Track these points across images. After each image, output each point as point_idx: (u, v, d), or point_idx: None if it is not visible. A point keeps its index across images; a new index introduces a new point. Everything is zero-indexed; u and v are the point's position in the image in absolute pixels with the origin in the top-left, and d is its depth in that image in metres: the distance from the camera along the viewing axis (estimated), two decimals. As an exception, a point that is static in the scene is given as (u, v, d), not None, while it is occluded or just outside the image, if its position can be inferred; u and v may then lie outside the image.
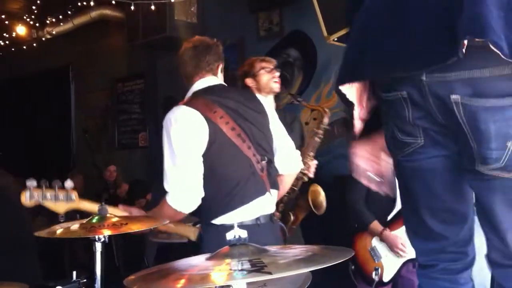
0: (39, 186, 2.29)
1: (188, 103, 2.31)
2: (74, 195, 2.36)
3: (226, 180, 2.27)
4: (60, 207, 2.33)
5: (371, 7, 1.42)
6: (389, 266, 3.19)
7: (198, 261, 1.33)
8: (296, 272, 1.08)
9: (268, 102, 3.22)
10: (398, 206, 3.22)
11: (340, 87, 1.49)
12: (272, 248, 1.26)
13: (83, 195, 2.49)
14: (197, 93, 2.40)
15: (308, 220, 3.70)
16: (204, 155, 2.24)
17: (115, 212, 2.34)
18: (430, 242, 1.56)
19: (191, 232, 2.52)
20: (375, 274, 3.08)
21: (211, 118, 2.25)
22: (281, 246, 1.33)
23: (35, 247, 3.26)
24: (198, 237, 2.49)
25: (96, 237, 2.15)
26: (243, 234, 1.27)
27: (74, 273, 2.18)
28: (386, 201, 3.23)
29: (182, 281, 1.24)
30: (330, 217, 4.49)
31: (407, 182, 1.55)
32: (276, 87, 3.26)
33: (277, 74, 3.26)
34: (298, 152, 2.66)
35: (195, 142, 2.24)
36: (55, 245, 5.19)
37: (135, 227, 2.14)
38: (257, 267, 1.10)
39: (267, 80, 3.23)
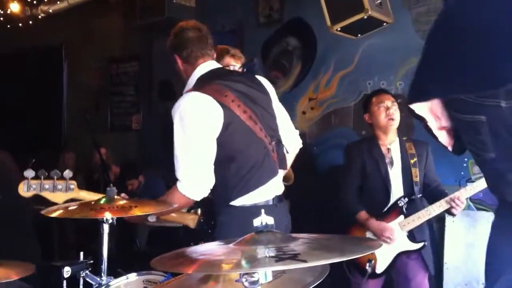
0: (37, 177, 2.29)
1: (198, 89, 2.28)
2: (73, 185, 2.36)
3: (243, 163, 2.28)
4: (59, 197, 2.33)
5: (438, 33, 1.53)
6: (383, 258, 3.19)
7: (224, 247, 1.32)
8: (331, 261, 1.09)
9: None
10: (393, 198, 3.25)
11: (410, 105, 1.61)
12: (299, 236, 1.26)
13: (74, 174, 2.47)
14: (203, 78, 2.38)
15: (304, 209, 3.70)
16: (219, 139, 2.24)
17: None
18: None
19: (190, 220, 2.53)
20: (369, 266, 3.10)
21: (224, 102, 2.24)
22: (306, 235, 1.33)
23: (33, 225, 3.25)
24: (197, 224, 2.50)
25: (104, 218, 2.15)
26: (270, 220, 1.27)
27: (81, 254, 2.18)
28: (381, 194, 3.26)
29: (207, 266, 1.25)
30: (326, 207, 4.53)
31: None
32: None
33: None
34: (297, 131, 2.69)
35: (209, 127, 2.23)
36: (46, 225, 5.15)
37: (144, 211, 2.15)
38: (290, 255, 1.10)
39: None
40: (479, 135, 1.54)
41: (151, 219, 2.39)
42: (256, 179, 2.28)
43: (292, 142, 2.62)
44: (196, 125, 2.22)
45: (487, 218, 3.65)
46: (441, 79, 1.47)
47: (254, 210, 2.21)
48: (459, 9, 1.52)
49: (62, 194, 2.33)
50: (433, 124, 1.64)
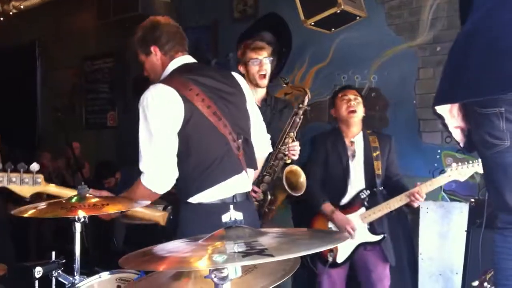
0: (4, 170, 2.25)
1: (164, 82, 2.28)
2: (40, 178, 2.32)
3: (201, 158, 2.25)
4: (26, 190, 2.30)
5: (461, 47, 1.86)
6: (343, 248, 3.24)
7: (192, 244, 1.32)
8: (297, 254, 1.09)
9: (259, 93, 3.22)
10: (352, 191, 3.30)
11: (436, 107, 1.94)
12: (268, 231, 1.26)
13: (49, 174, 2.41)
14: (174, 71, 2.37)
15: (284, 203, 3.70)
16: (179, 133, 2.21)
17: None
18: (509, 215, 2.00)
19: (159, 217, 2.52)
20: (330, 255, 3.19)
21: (187, 96, 2.22)
22: (277, 229, 1.34)
23: (8, 227, 3.20)
24: (167, 221, 2.48)
25: (76, 217, 2.14)
26: (239, 216, 1.27)
27: (53, 253, 2.16)
28: (340, 185, 3.33)
29: (176, 263, 1.24)
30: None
31: (493, 173, 2.00)
32: (262, 83, 3.18)
33: (266, 67, 3.16)
34: (268, 135, 2.66)
35: (171, 120, 2.20)
36: (20, 226, 5.09)
37: (116, 208, 2.13)
38: (257, 250, 1.10)
39: (253, 73, 3.16)
40: (498, 124, 1.85)
41: None
42: (215, 175, 2.25)
43: (262, 146, 2.60)
44: (158, 117, 2.19)
45: (460, 209, 3.70)
46: (467, 85, 1.78)
47: (213, 208, 2.21)
48: (482, 24, 1.84)
49: (29, 188, 2.29)
50: (450, 122, 1.97)
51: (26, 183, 2.28)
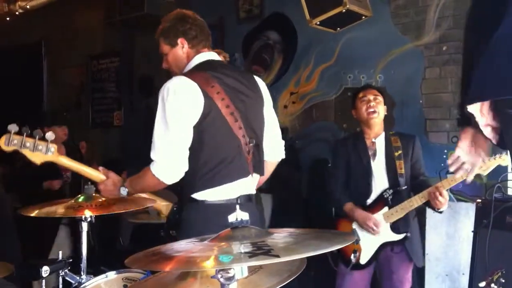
0: (20, 133, 2.24)
1: (187, 74, 2.28)
2: (54, 148, 2.31)
3: (212, 155, 2.24)
4: (38, 157, 2.28)
5: (494, 45, 1.84)
6: (366, 249, 3.22)
7: (199, 244, 1.32)
8: (304, 255, 1.09)
9: None
10: (377, 191, 3.27)
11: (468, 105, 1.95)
12: (275, 231, 1.26)
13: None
14: (198, 66, 2.37)
15: (288, 203, 3.70)
16: (195, 127, 2.21)
17: (93, 173, 2.36)
18: None
19: (163, 206, 2.51)
20: (353, 256, 3.15)
21: (208, 92, 2.22)
22: (284, 229, 1.34)
23: (14, 226, 3.22)
24: (170, 213, 2.47)
25: (83, 216, 2.15)
26: (245, 216, 1.27)
27: (60, 252, 2.17)
28: (363, 185, 3.29)
29: (182, 264, 1.24)
30: (310, 200, 4.54)
31: None
32: None
33: None
34: (283, 142, 2.63)
35: (189, 113, 2.20)
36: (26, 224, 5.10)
37: (122, 208, 2.14)
38: (264, 250, 1.10)
39: None
40: None
41: (123, 192, 2.33)
42: (223, 175, 2.25)
43: (275, 151, 2.58)
44: (176, 108, 2.18)
45: (466, 209, 3.69)
46: (499, 83, 1.79)
47: (218, 208, 2.21)
48: None
49: (42, 155, 2.28)
50: (480, 120, 1.98)
51: (39, 150, 2.26)
